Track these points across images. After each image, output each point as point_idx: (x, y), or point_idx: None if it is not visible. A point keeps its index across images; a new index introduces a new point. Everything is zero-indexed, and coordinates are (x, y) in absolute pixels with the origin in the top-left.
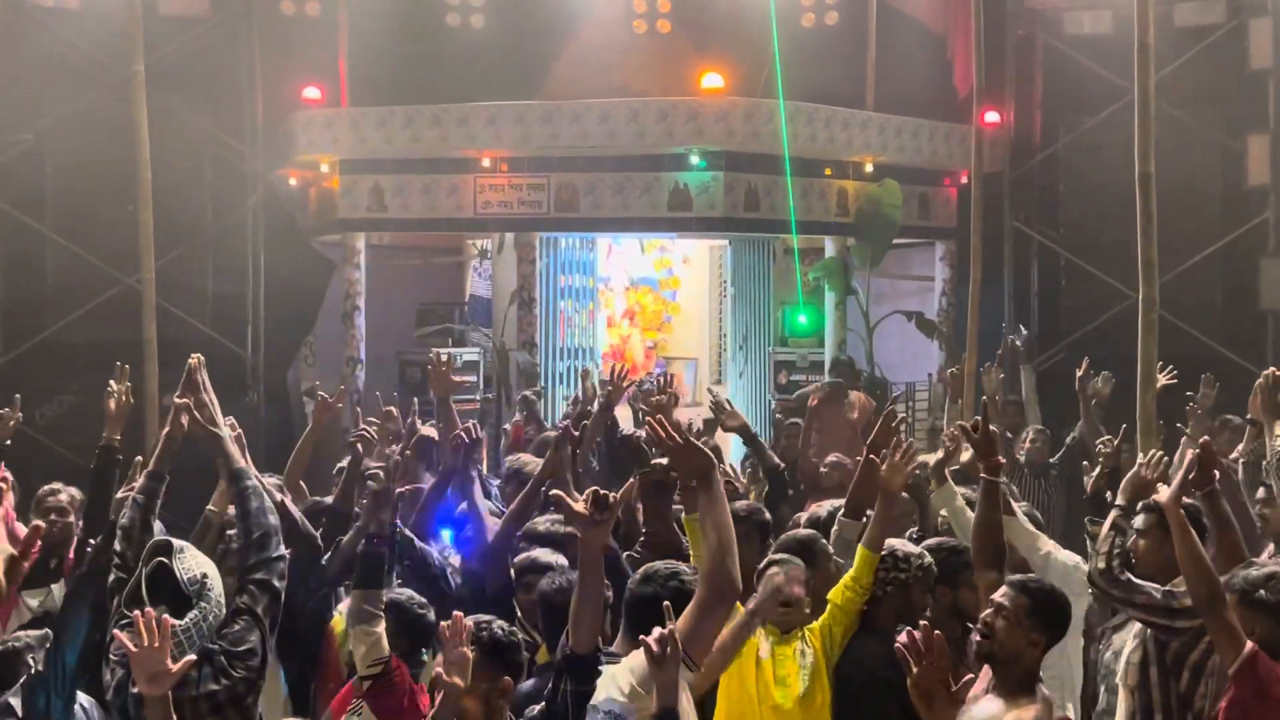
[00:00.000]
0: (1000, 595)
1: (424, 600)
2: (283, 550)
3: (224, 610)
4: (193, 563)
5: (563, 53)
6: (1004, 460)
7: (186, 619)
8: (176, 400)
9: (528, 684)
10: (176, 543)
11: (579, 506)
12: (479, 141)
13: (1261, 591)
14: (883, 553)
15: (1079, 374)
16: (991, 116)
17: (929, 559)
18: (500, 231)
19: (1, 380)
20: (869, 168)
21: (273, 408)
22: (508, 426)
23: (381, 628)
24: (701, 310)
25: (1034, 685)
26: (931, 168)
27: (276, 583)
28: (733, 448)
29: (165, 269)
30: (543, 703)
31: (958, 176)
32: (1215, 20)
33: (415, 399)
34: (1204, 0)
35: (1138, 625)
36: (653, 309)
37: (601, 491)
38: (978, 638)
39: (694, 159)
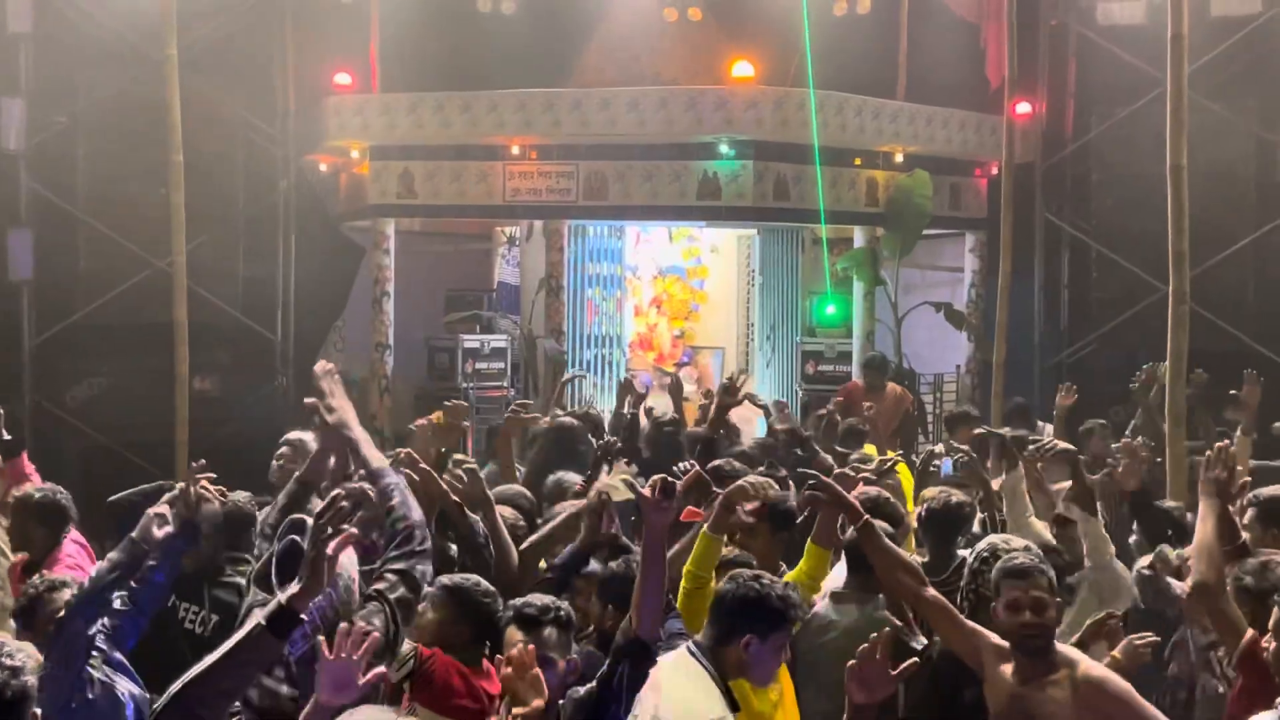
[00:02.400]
0: (1034, 588)
1: (490, 589)
2: (428, 545)
3: (354, 596)
4: None
5: (593, 40)
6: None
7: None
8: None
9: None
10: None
11: (645, 491)
12: (508, 128)
13: (1247, 578)
14: (984, 550)
15: (1141, 379)
16: (1023, 107)
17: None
18: (529, 219)
19: (34, 362)
20: (899, 158)
21: (302, 392)
22: None
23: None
24: (729, 299)
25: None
26: (962, 158)
27: (417, 574)
28: (757, 431)
29: (196, 253)
30: (592, 683)
31: (989, 167)
32: (1252, 11)
33: None
34: None
35: None
36: (680, 298)
37: (668, 478)
38: (1030, 634)
39: (723, 148)
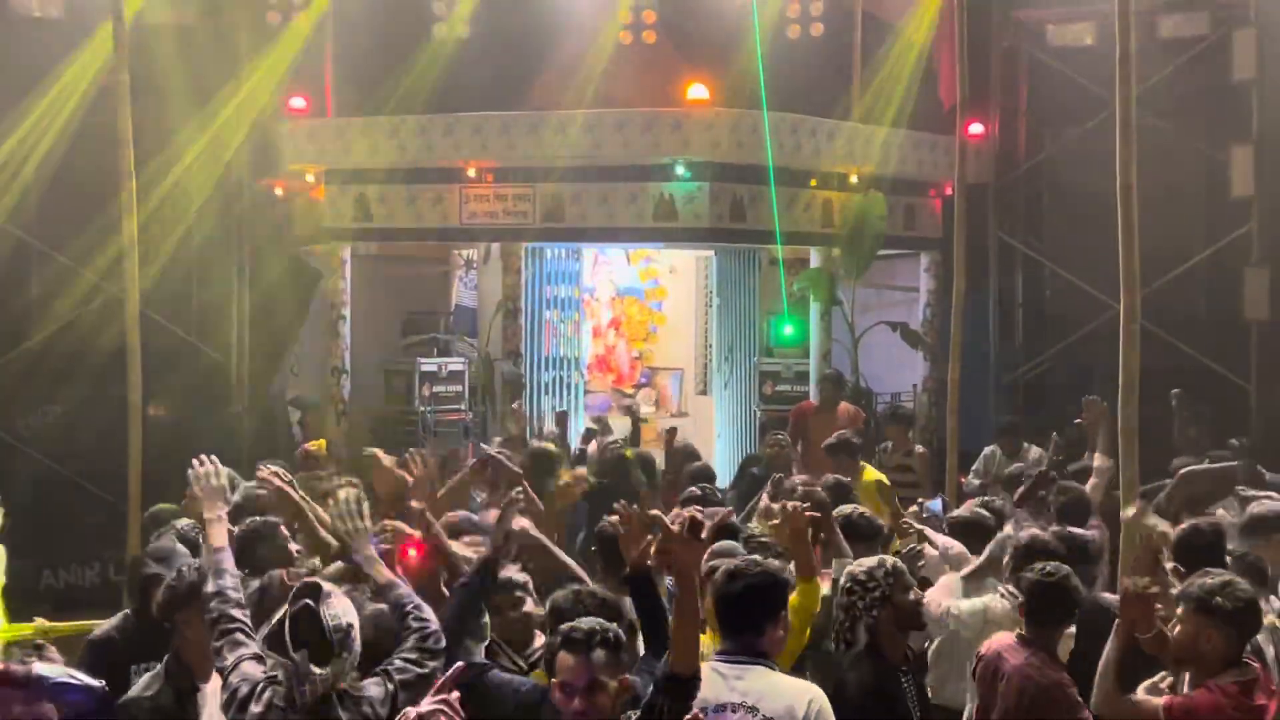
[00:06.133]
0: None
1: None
2: (441, 647)
3: (357, 659)
4: (340, 609)
5: (548, 63)
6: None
7: (327, 669)
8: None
9: None
10: (326, 587)
11: (675, 528)
12: (464, 151)
13: (1218, 599)
14: (843, 582)
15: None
16: (976, 128)
17: (890, 561)
18: (486, 241)
19: None
20: (854, 179)
21: (257, 417)
22: None
23: None
24: (687, 321)
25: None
26: (917, 179)
27: (428, 668)
28: (715, 451)
29: (150, 279)
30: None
31: (943, 187)
32: (1199, 32)
33: None
34: (1188, 12)
35: None
36: (638, 319)
37: (697, 516)
38: None
39: (679, 169)
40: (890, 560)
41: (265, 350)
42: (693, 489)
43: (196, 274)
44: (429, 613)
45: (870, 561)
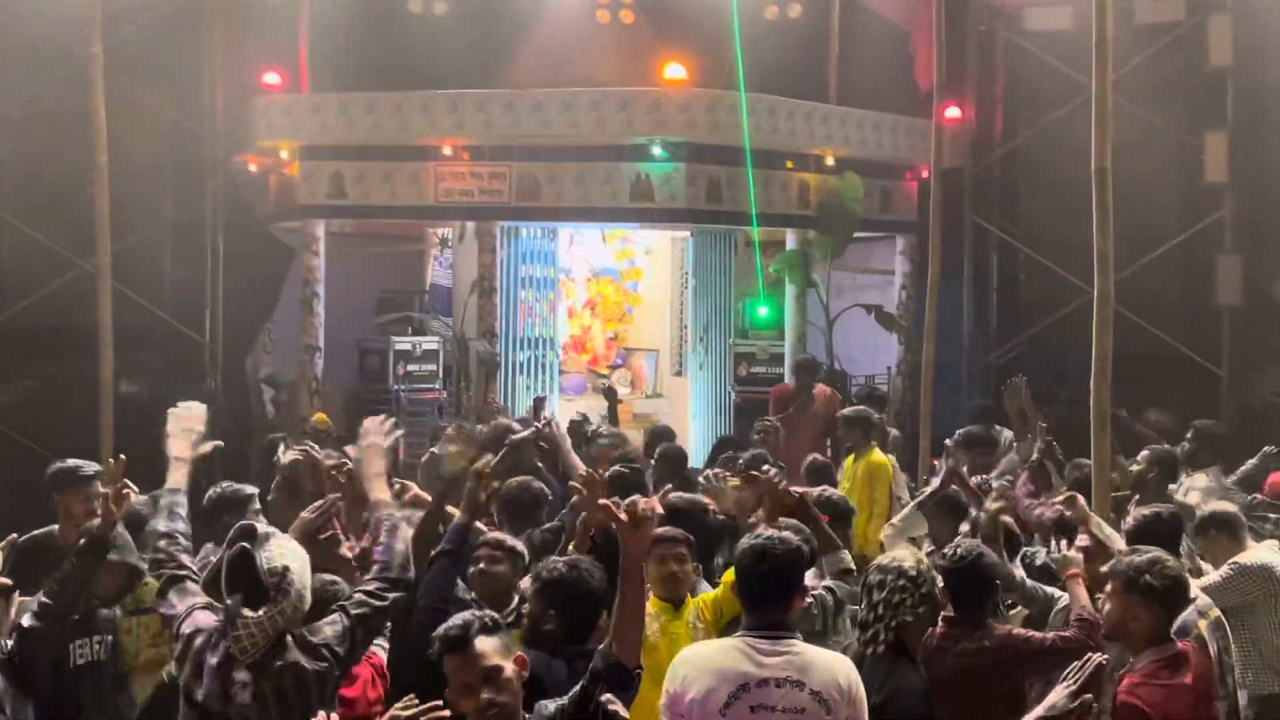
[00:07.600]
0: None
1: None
2: (407, 576)
3: (305, 603)
4: (277, 552)
5: (525, 41)
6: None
7: (260, 612)
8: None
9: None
10: (263, 529)
11: (621, 514)
12: (440, 129)
13: (1146, 577)
14: (888, 579)
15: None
16: (952, 111)
17: (926, 562)
18: (461, 220)
19: None
20: (830, 161)
21: (230, 395)
22: None
23: None
24: (663, 301)
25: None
26: (893, 162)
27: (387, 599)
28: (690, 433)
29: (123, 254)
30: (563, 700)
31: (919, 171)
32: (1175, 18)
33: None
34: None
35: None
36: (614, 300)
37: (642, 501)
38: None
39: (656, 150)
40: (924, 555)
41: (238, 327)
42: (618, 468)
43: (170, 250)
44: (400, 540)
45: (909, 557)
